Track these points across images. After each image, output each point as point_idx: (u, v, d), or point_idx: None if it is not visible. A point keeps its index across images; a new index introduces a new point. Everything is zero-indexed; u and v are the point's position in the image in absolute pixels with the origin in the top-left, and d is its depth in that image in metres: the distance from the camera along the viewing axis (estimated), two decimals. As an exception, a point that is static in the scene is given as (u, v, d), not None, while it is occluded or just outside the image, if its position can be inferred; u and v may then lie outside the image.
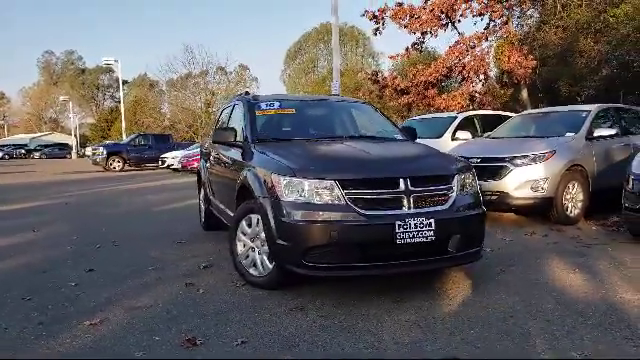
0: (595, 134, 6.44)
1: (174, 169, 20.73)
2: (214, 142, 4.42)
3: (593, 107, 6.99)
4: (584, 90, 15.22)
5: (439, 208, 3.29)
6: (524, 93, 16.51)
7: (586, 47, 14.64)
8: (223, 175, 4.81)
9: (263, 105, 4.57)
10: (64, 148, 58.16)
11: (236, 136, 4.27)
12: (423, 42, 17.22)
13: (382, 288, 3.52)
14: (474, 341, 2.67)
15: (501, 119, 9.53)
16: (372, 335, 2.78)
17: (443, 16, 16.08)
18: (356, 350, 2.60)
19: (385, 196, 3.21)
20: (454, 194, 3.39)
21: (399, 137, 4.58)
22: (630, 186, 4.91)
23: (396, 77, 17.10)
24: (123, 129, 30.85)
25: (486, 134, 7.87)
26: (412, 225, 3.10)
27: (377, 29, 17.44)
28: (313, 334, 2.81)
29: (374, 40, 46.36)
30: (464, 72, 16.06)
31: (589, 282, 3.68)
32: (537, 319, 2.95)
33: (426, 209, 3.24)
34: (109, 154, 22.58)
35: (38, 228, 6.57)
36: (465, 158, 4.71)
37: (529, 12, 18.50)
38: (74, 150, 54.53)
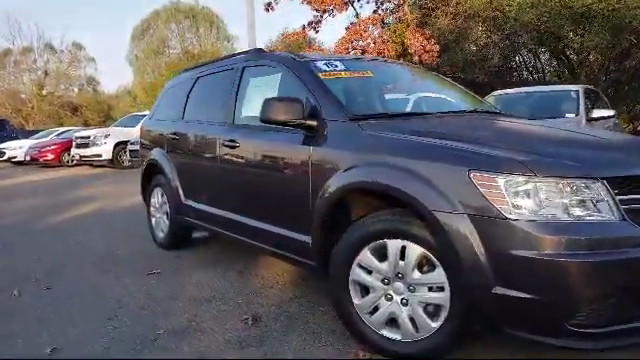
0: (594, 115, 6.02)
1: (17, 162, 16.80)
2: (263, 121, 2.69)
3: (579, 87, 6.60)
4: (476, 75, 15.61)
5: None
6: (420, 77, 16.45)
7: (477, 34, 15.03)
8: (254, 175, 3.08)
9: (321, 65, 2.98)
10: None
11: (304, 110, 2.63)
12: (320, 21, 16.17)
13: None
14: None
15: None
16: None
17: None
18: None
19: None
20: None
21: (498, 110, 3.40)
22: None
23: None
24: None
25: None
26: None
27: (269, 4, 15.98)
28: None
29: (229, 23, 44.09)
30: (366, 55, 15.42)
31: None
32: None
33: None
34: None
35: None
36: None
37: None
38: None
